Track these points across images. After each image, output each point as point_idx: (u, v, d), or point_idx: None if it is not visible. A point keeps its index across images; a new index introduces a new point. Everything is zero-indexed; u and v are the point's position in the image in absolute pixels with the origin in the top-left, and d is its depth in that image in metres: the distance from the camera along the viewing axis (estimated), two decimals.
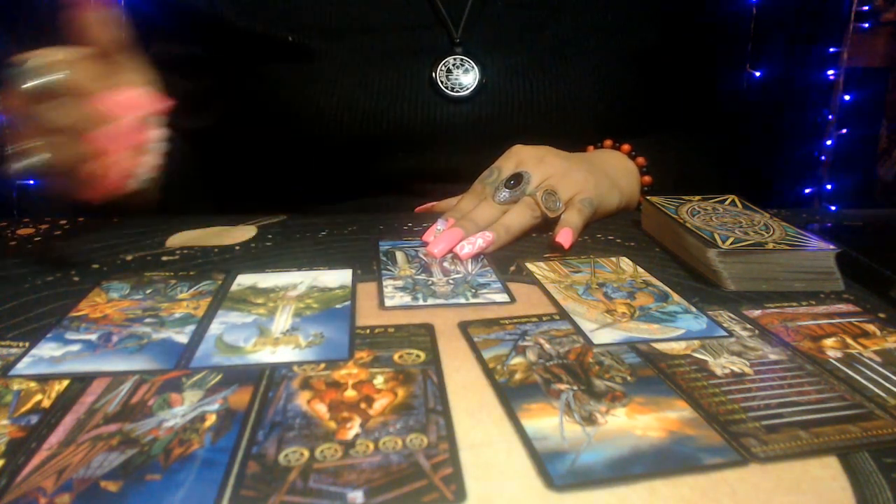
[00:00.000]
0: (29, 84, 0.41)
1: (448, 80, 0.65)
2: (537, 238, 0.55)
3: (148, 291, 0.42)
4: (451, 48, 0.67)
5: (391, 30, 0.67)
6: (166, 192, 0.67)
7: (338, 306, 0.40)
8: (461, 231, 0.51)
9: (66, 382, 0.31)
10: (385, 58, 0.66)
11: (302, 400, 0.30)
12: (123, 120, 0.43)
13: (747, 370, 0.33)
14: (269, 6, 0.67)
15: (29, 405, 0.29)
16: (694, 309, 0.40)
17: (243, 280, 0.44)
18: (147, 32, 0.78)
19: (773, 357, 0.34)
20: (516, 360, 0.33)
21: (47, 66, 0.42)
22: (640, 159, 0.66)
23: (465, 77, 0.66)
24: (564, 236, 0.51)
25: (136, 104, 0.44)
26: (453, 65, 0.66)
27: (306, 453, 0.26)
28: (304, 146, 0.68)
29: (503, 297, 0.42)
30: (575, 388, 0.31)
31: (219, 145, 0.73)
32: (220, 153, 0.74)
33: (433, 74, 0.66)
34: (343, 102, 0.65)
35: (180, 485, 0.24)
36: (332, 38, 0.66)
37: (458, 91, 0.66)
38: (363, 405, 0.29)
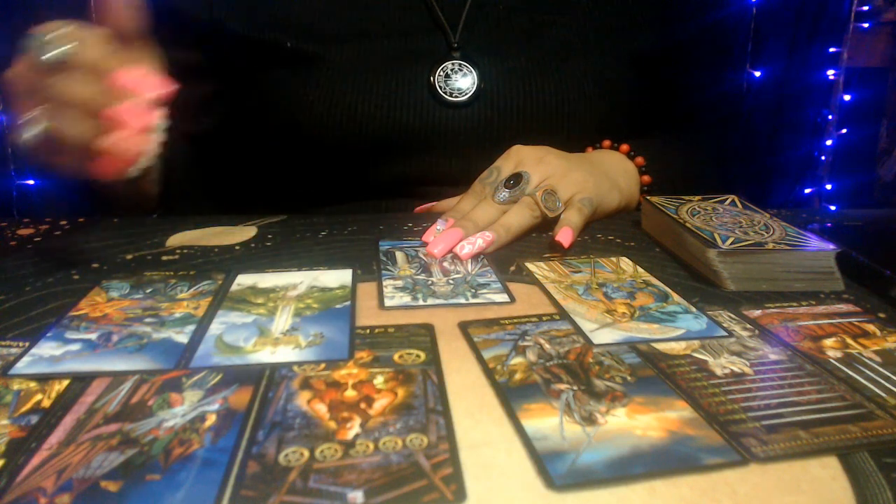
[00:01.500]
0: (44, 55, 0.42)
1: (446, 84, 0.65)
2: (537, 238, 0.55)
3: (148, 291, 0.42)
4: (449, 53, 0.67)
5: (389, 35, 0.67)
6: (167, 193, 0.67)
7: (338, 306, 0.40)
8: (461, 231, 0.51)
9: (66, 382, 0.31)
10: (384, 63, 0.66)
11: (302, 400, 0.30)
12: (133, 99, 0.43)
13: (747, 370, 0.33)
14: (267, 12, 0.67)
15: (29, 405, 0.29)
16: (694, 309, 0.40)
17: (243, 280, 0.44)
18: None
19: (773, 357, 0.34)
20: (516, 360, 0.33)
21: (62, 38, 0.42)
22: (639, 159, 0.66)
23: (463, 81, 0.66)
24: (564, 235, 0.51)
25: (146, 84, 0.44)
26: (451, 69, 0.66)
27: (306, 453, 0.26)
28: (303, 151, 0.68)
29: (503, 297, 0.42)
30: (575, 388, 0.31)
31: (219, 149, 0.73)
32: (220, 157, 0.74)
33: (431, 79, 0.66)
34: (342, 107, 0.65)
35: (180, 485, 0.24)
36: (330, 43, 0.66)
37: (456, 96, 0.66)
38: (363, 405, 0.29)
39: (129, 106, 0.43)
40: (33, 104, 0.43)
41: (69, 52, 0.42)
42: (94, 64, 0.43)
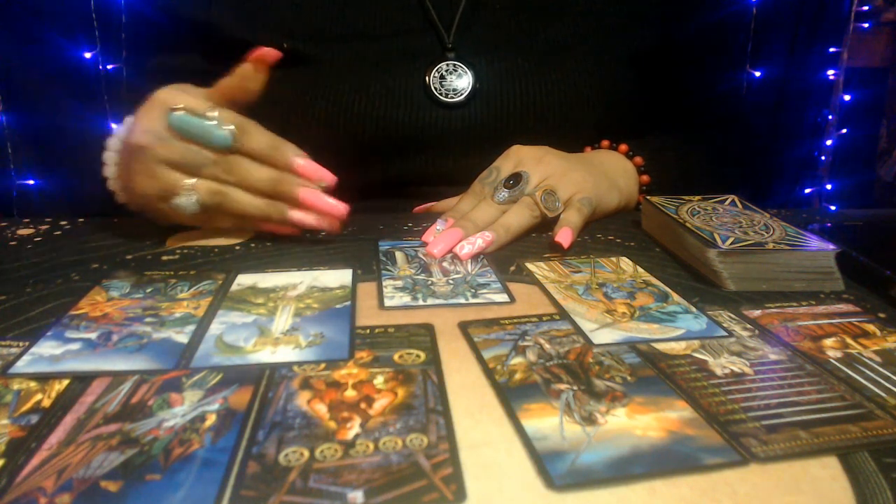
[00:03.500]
0: (215, 139, 0.48)
1: (442, 85, 0.65)
2: (537, 238, 0.55)
3: (148, 290, 0.42)
4: (444, 53, 0.67)
5: (384, 35, 0.67)
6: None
7: (338, 306, 0.40)
8: (461, 231, 0.51)
9: (66, 382, 0.31)
10: (379, 63, 0.66)
11: (302, 400, 0.30)
12: (309, 185, 0.50)
13: (747, 370, 0.33)
14: (264, 13, 0.67)
15: (29, 405, 0.29)
16: (694, 309, 0.40)
17: (243, 280, 0.44)
18: (146, 43, 0.78)
19: (773, 357, 0.34)
20: (516, 360, 0.33)
21: (222, 119, 0.48)
22: (638, 159, 0.66)
23: (458, 82, 0.66)
24: (564, 235, 0.51)
25: (317, 173, 0.51)
26: (447, 70, 0.66)
27: (306, 453, 0.26)
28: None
29: (503, 297, 0.42)
30: (575, 388, 0.31)
31: None
32: None
33: (427, 80, 0.66)
34: (338, 108, 0.65)
35: (180, 485, 0.24)
36: (326, 43, 0.66)
37: (452, 96, 0.66)
38: (363, 405, 0.29)
39: (313, 192, 0.50)
40: (181, 177, 0.48)
41: (232, 137, 0.48)
42: (259, 151, 0.49)
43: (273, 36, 0.65)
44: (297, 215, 0.50)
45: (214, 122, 0.48)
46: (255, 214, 0.50)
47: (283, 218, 0.50)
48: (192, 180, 0.48)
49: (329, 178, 0.51)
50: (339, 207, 0.50)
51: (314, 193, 0.50)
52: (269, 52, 0.50)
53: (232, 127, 0.48)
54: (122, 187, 0.54)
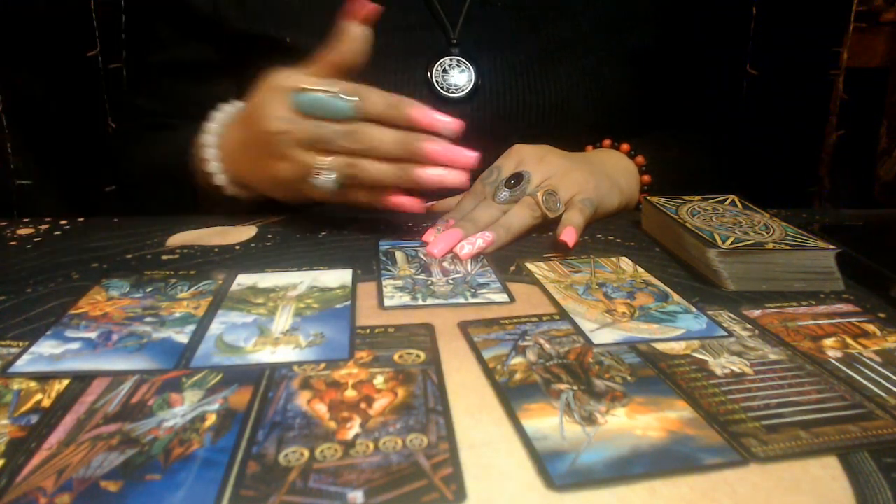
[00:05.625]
0: (338, 110, 0.48)
1: (444, 80, 0.65)
2: (537, 238, 0.55)
3: (148, 290, 0.42)
4: (448, 49, 0.67)
5: (389, 30, 0.67)
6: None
7: (338, 306, 0.40)
8: (461, 231, 0.51)
9: (66, 382, 0.31)
10: (382, 58, 0.66)
11: (302, 400, 0.30)
12: (434, 137, 0.49)
13: (747, 370, 0.33)
14: (267, 7, 0.67)
15: (29, 405, 0.29)
16: (694, 309, 0.40)
17: (243, 280, 0.44)
18: (151, 37, 0.78)
19: (773, 357, 0.34)
20: (516, 360, 0.33)
21: (338, 90, 0.48)
22: (640, 158, 0.66)
23: (460, 77, 0.66)
24: (568, 234, 0.51)
25: (435, 121, 0.50)
26: (449, 65, 0.66)
27: (306, 453, 0.26)
28: None
29: (503, 297, 0.42)
30: (575, 388, 0.31)
31: None
32: None
33: (429, 75, 0.66)
34: None
35: (180, 485, 0.24)
36: (329, 39, 0.66)
37: (453, 92, 0.66)
38: (363, 405, 0.29)
39: (440, 144, 0.49)
40: (314, 156, 0.49)
41: (355, 105, 0.48)
42: (379, 113, 0.49)
43: (277, 30, 0.65)
44: (427, 173, 0.49)
45: (335, 94, 0.48)
46: (387, 180, 0.50)
47: (413, 179, 0.49)
48: (328, 158, 0.49)
49: (455, 123, 0.49)
50: (469, 156, 0.49)
51: (441, 144, 0.49)
52: (363, 4, 0.51)
53: (355, 98, 0.48)
54: (241, 178, 0.55)
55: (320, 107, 0.48)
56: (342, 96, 0.48)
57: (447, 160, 0.49)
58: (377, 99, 0.49)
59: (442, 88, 0.65)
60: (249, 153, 0.54)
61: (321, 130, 0.48)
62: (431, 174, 0.49)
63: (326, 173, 0.49)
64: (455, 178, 0.49)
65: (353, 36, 0.51)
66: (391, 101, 0.49)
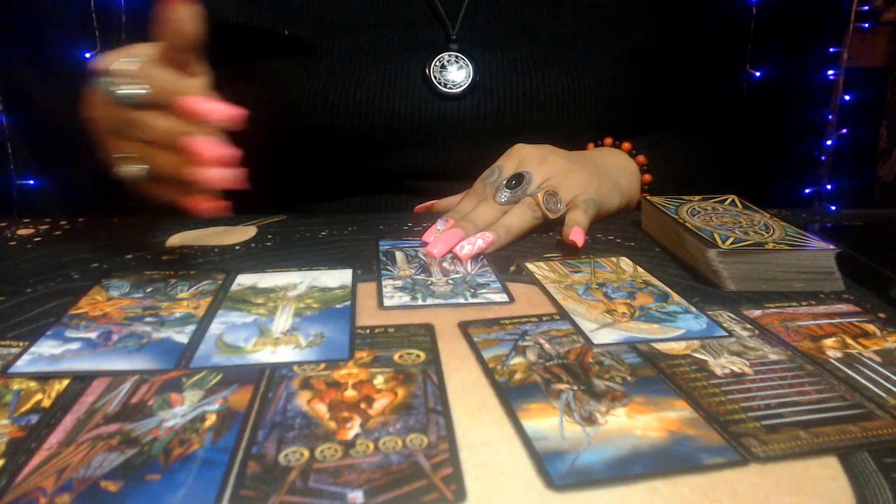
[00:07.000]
0: (119, 96, 0.43)
1: (442, 76, 0.65)
2: (537, 238, 0.55)
3: (148, 290, 0.42)
4: (447, 45, 0.67)
5: (388, 26, 0.67)
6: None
7: (338, 306, 0.40)
8: (461, 232, 0.51)
9: (66, 382, 0.31)
10: (381, 53, 0.66)
11: (302, 400, 0.30)
12: (204, 130, 0.44)
13: (747, 370, 0.33)
14: (266, 1, 0.67)
15: (29, 405, 0.29)
16: (694, 309, 0.40)
17: (243, 280, 0.44)
18: (151, 37, 0.78)
19: (773, 357, 0.34)
20: (516, 360, 0.33)
21: (133, 77, 0.44)
22: (641, 157, 0.66)
23: (457, 74, 0.66)
24: (577, 235, 0.50)
25: (215, 112, 0.44)
26: (447, 61, 0.66)
27: (306, 453, 0.26)
28: (299, 141, 0.68)
29: (502, 297, 0.42)
30: (575, 388, 0.31)
31: None
32: None
33: (427, 70, 0.66)
34: (338, 97, 0.65)
35: (180, 485, 0.24)
36: (328, 33, 0.66)
37: (451, 88, 0.66)
38: (363, 405, 0.29)
39: (202, 139, 0.43)
40: (122, 144, 0.44)
41: (143, 94, 0.43)
42: (163, 99, 0.43)
43: (274, 24, 0.65)
44: (196, 170, 0.42)
45: (125, 81, 0.43)
46: (170, 174, 0.44)
47: (189, 176, 0.43)
48: (127, 147, 0.44)
49: (230, 112, 0.44)
50: (225, 150, 0.43)
51: (201, 138, 0.43)
52: None
53: (145, 85, 0.43)
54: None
55: (110, 93, 0.43)
56: (130, 83, 0.43)
57: (206, 155, 0.43)
58: (165, 86, 0.44)
59: (440, 84, 0.65)
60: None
61: (116, 117, 0.44)
62: (198, 172, 0.43)
63: (130, 163, 0.44)
64: (221, 176, 0.43)
65: (178, 17, 0.45)
66: (174, 87, 0.44)
